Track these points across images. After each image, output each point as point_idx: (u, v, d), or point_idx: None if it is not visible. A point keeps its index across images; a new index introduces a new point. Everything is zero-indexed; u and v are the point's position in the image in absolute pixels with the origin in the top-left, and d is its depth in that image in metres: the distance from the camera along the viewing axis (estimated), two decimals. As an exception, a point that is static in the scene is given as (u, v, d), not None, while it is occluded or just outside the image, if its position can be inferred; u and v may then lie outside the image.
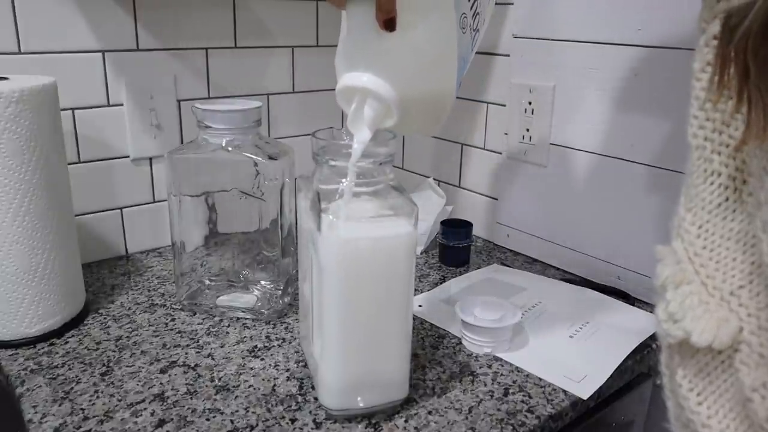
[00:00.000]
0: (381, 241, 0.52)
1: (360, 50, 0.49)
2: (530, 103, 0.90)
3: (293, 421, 0.57)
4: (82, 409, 0.57)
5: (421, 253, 0.96)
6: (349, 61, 0.50)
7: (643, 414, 0.81)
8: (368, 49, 0.49)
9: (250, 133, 0.72)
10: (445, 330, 0.73)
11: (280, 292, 0.76)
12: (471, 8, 0.52)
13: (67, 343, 0.68)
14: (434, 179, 1.06)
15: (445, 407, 0.59)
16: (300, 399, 0.60)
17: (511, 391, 0.62)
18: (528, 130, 0.91)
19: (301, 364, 0.66)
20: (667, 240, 0.80)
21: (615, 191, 0.83)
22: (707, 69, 0.36)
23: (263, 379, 0.63)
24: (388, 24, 0.46)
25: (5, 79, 0.65)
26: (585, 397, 0.62)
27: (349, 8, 0.49)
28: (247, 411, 0.58)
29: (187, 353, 0.67)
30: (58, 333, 0.70)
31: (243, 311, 0.75)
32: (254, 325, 0.73)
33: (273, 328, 0.73)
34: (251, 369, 0.65)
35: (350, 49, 0.50)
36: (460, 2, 0.50)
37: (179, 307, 0.77)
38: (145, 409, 0.58)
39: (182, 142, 0.92)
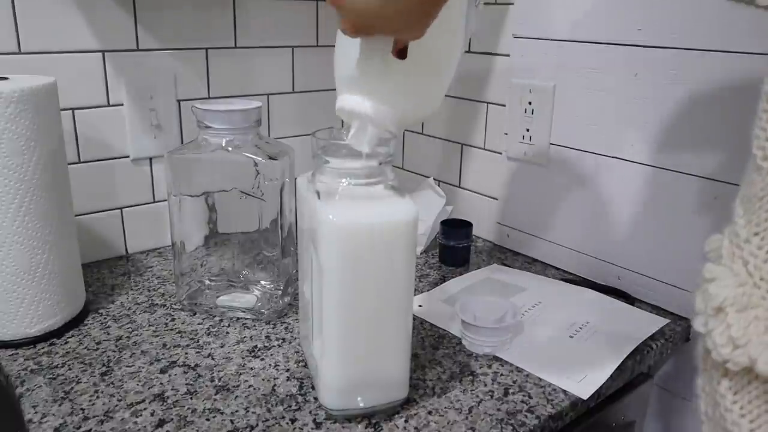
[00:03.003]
0: (380, 232, 0.52)
1: (369, 76, 0.49)
2: (530, 103, 0.90)
3: (293, 421, 0.57)
4: (82, 409, 0.57)
5: (421, 253, 0.96)
6: (356, 84, 0.50)
7: (643, 414, 0.81)
8: (378, 75, 0.49)
9: (250, 133, 0.72)
10: (445, 330, 0.73)
11: (280, 292, 0.76)
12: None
13: (67, 343, 0.68)
14: (434, 179, 1.06)
15: (445, 407, 0.59)
16: (300, 399, 0.60)
17: (511, 391, 0.62)
18: (528, 130, 0.91)
19: (301, 364, 0.66)
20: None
21: (615, 191, 0.83)
22: None
23: (263, 379, 0.63)
24: (401, 52, 0.47)
25: (5, 79, 0.65)
26: (585, 397, 0.62)
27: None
28: (247, 411, 0.58)
29: (187, 353, 0.67)
30: (58, 333, 0.69)
31: (243, 311, 0.75)
32: (254, 325, 0.73)
33: (273, 328, 0.73)
34: (251, 369, 0.65)
35: (359, 73, 0.50)
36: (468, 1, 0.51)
37: (179, 307, 0.77)
38: (145, 409, 0.58)
39: (182, 142, 0.92)
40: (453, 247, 0.92)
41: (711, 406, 0.39)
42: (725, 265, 0.38)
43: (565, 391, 0.62)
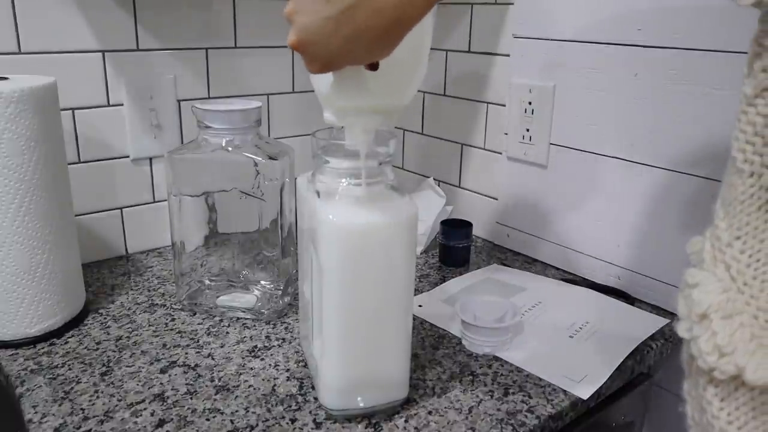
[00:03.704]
0: (380, 232, 0.52)
1: (345, 96, 0.49)
2: (530, 103, 0.90)
3: (293, 421, 0.57)
4: (82, 409, 0.57)
5: (421, 253, 0.96)
6: (334, 103, 0.51)
7: (643, 414, 0.81)
8: (354, 94, 0.49)
9: (250, 133, 0.72)
10: (445, 330, 0.73)
11: (280, 292, 0.76)
12: None
13: (67, 343, 0.68)
14: (434, 179, 1.06)
15: (445, 407, 0.59)
16: (300, 399, 0.60)
17: (511, 391, 0.62)
18: (528, 130, 0.91)
19: (301, 364, 0.66)
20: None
21: (615, 191, 0.83)
22: (765, 95, 0.35)
23: (263, 379, 0.63)
24: (373, 66, 0.47)
25: (5, 79, 0.65)
26: (585, 397, 0.62)
27: None
28: (247, 411, 0.58)
29: (187, 353, 0.67)
30: (58, 333, 0.69)
31: (243, 311, 0.75)
32: (254, 325, 0.73)
33: (273, 328, 0.73)
34: (251, 369, 0.65)
35: (334, 94, 0.50)
36: None
37: (179, 307, 0.77)
38: (145, 409, 0.58)
39: (182, 142, 0.92)
40: (453, 247, 0.92)
41: (698, 411, 0.39)
42: (708, 269, 0.37)
43: (565, 391, 0.62)
